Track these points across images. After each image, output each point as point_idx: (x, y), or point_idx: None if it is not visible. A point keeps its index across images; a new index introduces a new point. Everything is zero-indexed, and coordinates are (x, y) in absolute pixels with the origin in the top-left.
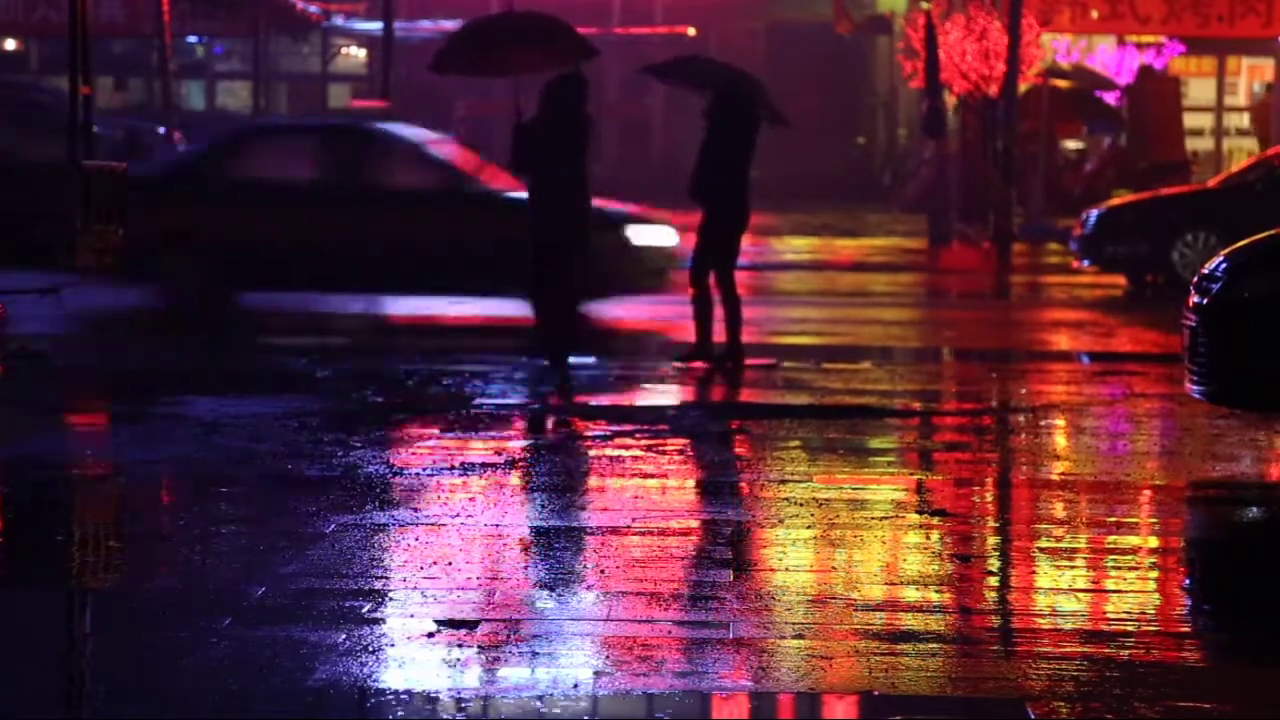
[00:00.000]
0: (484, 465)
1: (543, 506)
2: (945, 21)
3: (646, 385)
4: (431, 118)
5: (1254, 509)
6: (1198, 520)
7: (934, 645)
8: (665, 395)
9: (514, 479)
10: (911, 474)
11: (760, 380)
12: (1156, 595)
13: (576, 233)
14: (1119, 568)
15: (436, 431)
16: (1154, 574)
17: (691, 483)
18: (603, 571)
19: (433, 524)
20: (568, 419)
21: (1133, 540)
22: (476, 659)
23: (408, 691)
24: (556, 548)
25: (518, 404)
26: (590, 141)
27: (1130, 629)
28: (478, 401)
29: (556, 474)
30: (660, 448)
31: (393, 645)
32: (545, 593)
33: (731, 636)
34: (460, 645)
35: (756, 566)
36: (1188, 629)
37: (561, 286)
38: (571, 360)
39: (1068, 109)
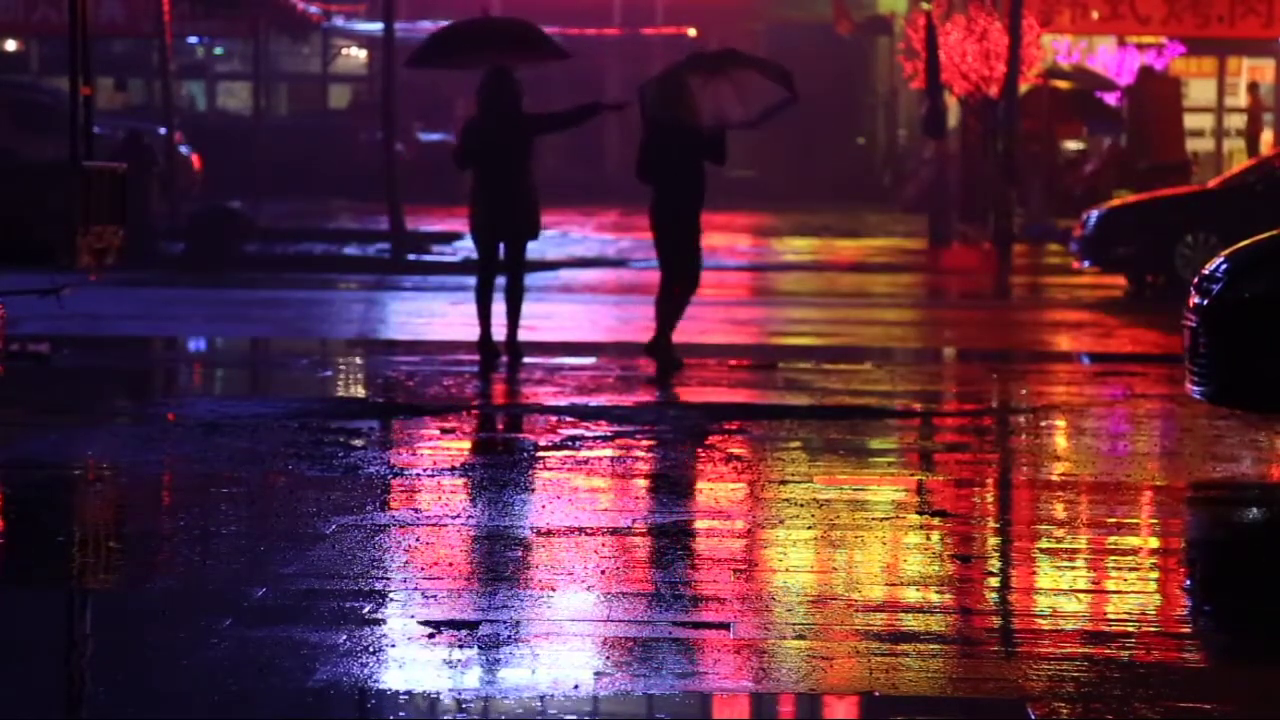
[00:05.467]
0: (480, 465)
1: (542, 506)
2: (946, 22)
3: (645, 385)
4: (430, 117)
5: (1254, 509)
6: (1198, 521)
7: (935, 646)
8: (664, 395)
9: (513, 479)
10: (912, 475)
11: (760, 380)
12: (1157, 596)
13: (518, 230)
14: (1119, 568)
15: (437, 431)
16: (1154, 575)
17: (692, 483)
18: (603, 571)
19: (434, 524)
20: (565, 419)
21: (1133, 541)
22: (477, 659)
23: (408, 692)
24: (556, 548)
25: (509, 404)
26: (528, 140)
27: (1131, 630)
28: (474, 402)
29: (556, 474)
30: (661, 447)
31: (393, 645)
32: (545, 593)
33: (732, 637)
34: (460, 645)
35: (757, 566)
36: (1188, 630)
37: (510, 283)
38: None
39: (1068, 110)
